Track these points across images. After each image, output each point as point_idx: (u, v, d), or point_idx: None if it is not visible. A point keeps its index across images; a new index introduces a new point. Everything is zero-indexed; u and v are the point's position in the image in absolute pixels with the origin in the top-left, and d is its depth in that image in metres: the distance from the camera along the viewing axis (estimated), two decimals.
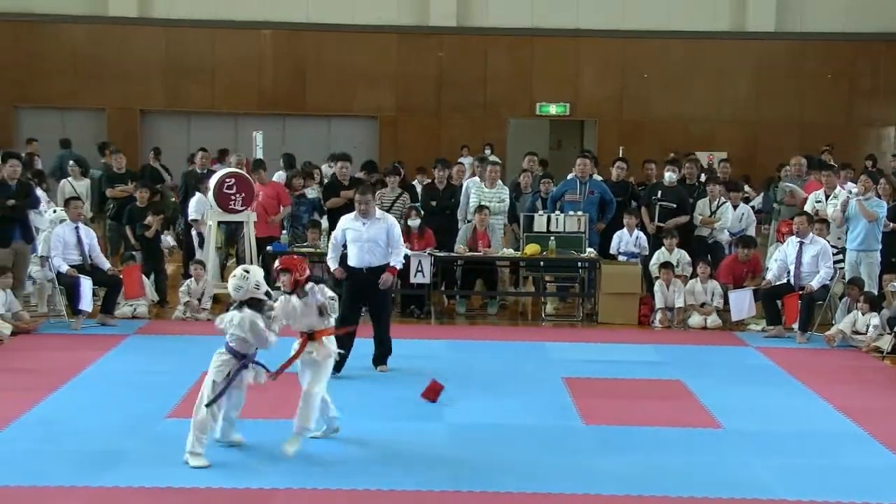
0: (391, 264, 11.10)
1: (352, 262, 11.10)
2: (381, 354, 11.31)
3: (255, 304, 8.11)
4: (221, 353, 8.20)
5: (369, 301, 11.24)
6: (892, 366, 11.99)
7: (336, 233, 11.28)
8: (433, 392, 9.82)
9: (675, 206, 15.13)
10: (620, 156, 18.67)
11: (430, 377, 10.06)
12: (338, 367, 10.67)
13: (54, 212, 14.30)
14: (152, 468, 7.88)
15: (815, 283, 13.19)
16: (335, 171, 15.64)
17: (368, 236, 10.96)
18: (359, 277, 11.07)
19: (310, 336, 8.50)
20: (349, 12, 26.64)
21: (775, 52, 26.75)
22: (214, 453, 8.23)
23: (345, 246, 11.19)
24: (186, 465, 7.90)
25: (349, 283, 11.22)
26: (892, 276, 13.04)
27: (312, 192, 16.01)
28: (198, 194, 15.42)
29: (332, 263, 11.31)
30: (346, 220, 11.23)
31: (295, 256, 8.93)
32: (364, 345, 11.29)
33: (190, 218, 15.26)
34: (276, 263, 8.72)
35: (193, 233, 15.28)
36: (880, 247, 13.63)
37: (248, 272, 8.18)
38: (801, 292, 13.26)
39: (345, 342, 10.60)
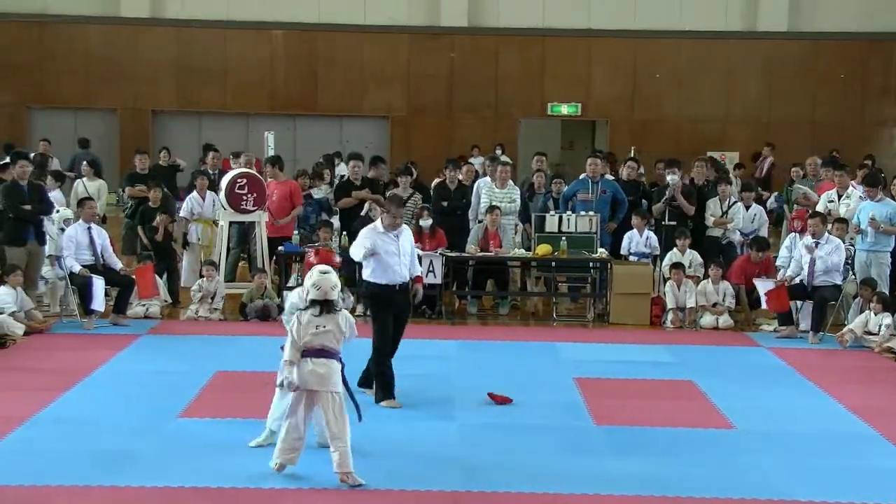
0: (418, 273, 10.37)
1: (383, 279, 9.83)
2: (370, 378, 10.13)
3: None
4: None
5: (399, 322, 10.10)
6: None
7: (366, 243, 9.80)
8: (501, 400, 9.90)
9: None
10: (631, 155, 18.67)
11: (440, 379, 10.07)
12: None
13: (57, 212, 14.25)
14: (165, 468, 7.90)
15: (822, 263, 13.13)
16: (347, 170, 15.65)
17: (404, 249, 9.93)
18: (391, 295, 9.89)
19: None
20: (360, 12, 26.69)
21: (787, 52, 26.72)
22: (226, 453, 8.25)
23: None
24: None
25: (384, 303, 9.94)
26: None
27: (319, 193, 16.00)
28: (194, 192, 15.53)
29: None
30: (373, 234, 9.88)
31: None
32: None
33: (181, 215, 15.31)
34: (311, 257, 8.36)
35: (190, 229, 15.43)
36: (891, 247, 13.58)
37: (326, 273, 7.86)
38: (787, 284, 13.34)
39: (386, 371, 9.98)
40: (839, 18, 26.51)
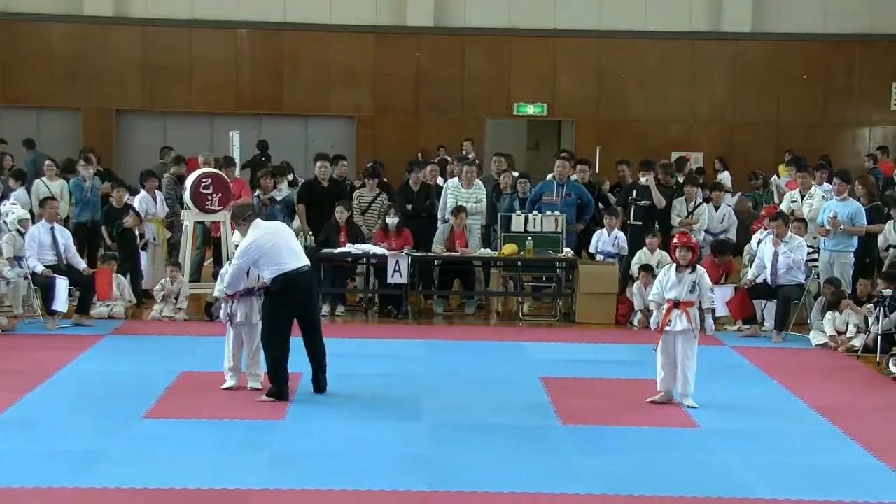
0: None
1: None
2: None
3: None
4: None
5: None
6: (866, 365, 12.06)
7: None
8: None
9: (650, 202, 15.19)
10: (596, 158, 18.72)
11: (406, 379, 10.06)
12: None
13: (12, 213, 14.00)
14: (130, 469, 7.86)
15: (785, 258, 13.20)
16: (315, 170, 15.56)
17: None
18: None
19: None
20: (326, 12, 26.60)
21: (752, 53, 26.85)
22: (191, 453, 8.22)
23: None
24: None
25: None
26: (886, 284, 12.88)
27: (280, 194, 15.82)
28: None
29: None
30: None
31: None
32: (344, 344, 11.29)
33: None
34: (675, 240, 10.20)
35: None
36: (854, 248, 13.67)
37: None
38: (746, 288, 13.46)
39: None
40: (803, 19, 26.65)
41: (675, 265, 10.14)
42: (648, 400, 10.08)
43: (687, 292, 9.93)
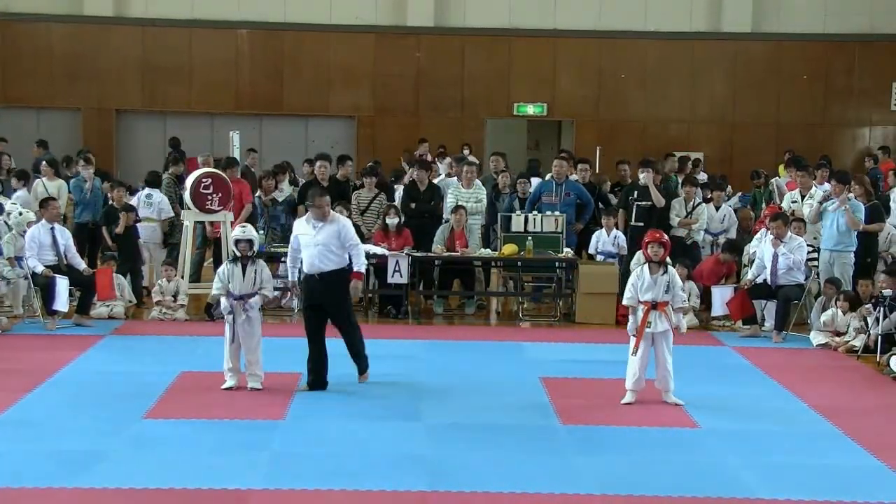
0: (355, 268, 10.31)
1: (304, 268, 10.36)
2: (359, 366, 10.58)
3: None
4: None
5: (322, 312, 10.39)
6: (866, 365, 12.06)
7: (291, 239, 10.61)
8: None
9: (651, 203, 15.17)
10: (597, 157, 18.70)
11: (406, 379, 10.07)
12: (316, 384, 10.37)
13: (20, 213, 13.96)
14: (130, 469, 7.86)
15: (785, 259, 13.18)
16: (315, 170, 15.54)
17: (320, 240, 10.17)
18: (309, 284, 10.31)
19: None
20: (326, 12, 26.60)
21: (752, 53, 26.85)
22: (191, 453, 8.22)
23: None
24: None
25: (304, 293, 10.57)
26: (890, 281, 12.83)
27: (281, 195, 15.81)
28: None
29: (292, 274, 10.67)
30: (298, 225, 10.61)
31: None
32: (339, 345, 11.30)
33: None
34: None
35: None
36: (854, 247, 13.66)
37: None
38: (746, 288, 13.43)
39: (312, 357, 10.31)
40: (803, 20, 26.65)
41: (647, 266, 10.10)
42: (623, 402, 10.04)
43: (663, 293, 9.96)
